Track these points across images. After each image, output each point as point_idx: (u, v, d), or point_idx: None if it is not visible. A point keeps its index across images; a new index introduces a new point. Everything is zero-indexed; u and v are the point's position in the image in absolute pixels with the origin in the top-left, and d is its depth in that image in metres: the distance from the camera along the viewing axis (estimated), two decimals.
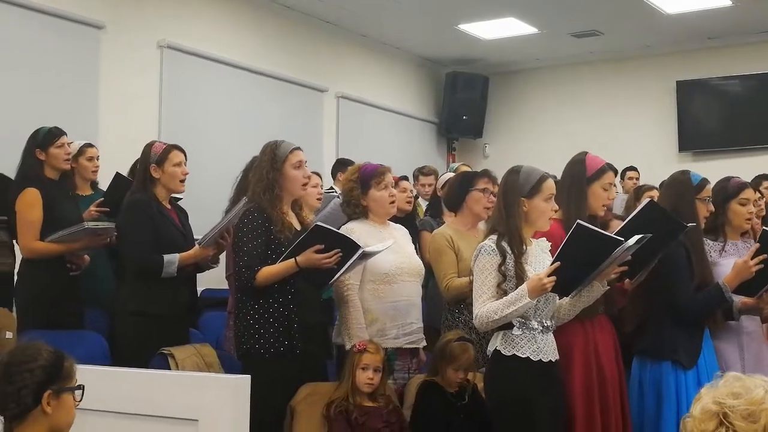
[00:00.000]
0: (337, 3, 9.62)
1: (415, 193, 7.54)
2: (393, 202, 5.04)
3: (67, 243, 5.14)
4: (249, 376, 3.73)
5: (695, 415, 2.05)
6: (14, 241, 5.51)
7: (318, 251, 4.43)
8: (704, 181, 4.73)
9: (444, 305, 5.23)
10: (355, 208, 4.98)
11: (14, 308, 5.39)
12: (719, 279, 4.55)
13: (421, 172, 8.60)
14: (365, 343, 4.60)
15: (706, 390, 2.09)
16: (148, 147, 5.13)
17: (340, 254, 4.46)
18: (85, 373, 2.94)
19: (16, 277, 5.41)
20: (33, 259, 5.19)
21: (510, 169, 4.30)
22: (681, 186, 4.72)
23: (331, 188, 8.10)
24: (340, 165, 8.57)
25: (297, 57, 9.85)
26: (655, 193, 6.43)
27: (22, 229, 5.18)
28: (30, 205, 5.15)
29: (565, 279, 3.99)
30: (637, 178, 9.42)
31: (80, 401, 2.89)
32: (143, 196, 5.00)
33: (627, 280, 4.51)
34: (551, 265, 3.99)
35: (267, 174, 4.66)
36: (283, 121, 9.28)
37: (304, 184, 4.86)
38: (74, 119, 7.01)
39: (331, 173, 8.60)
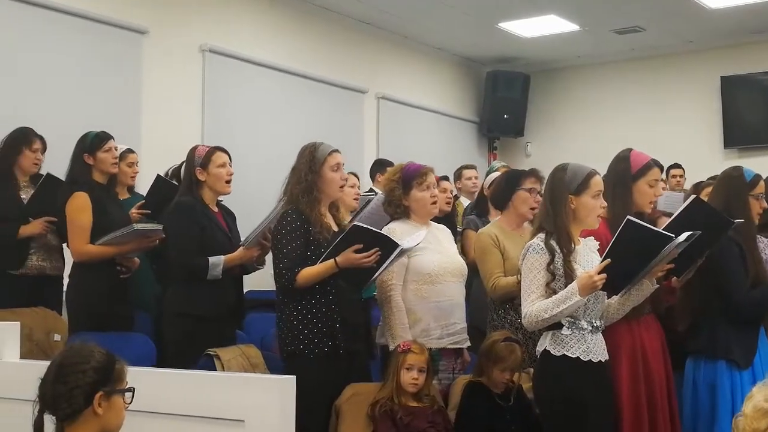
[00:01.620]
0: (376, 4, 9.62)
1: (455, 193, 7.52)
2: (434, 203, 5.03)
3: (116, 245, 5.17)
4: (294, 376, 3.75)
5: (747, 414, 2.03)
6: (63, 245, 5.56)
7: (357, 250, 4.45)
8: (757, 177, 4.67)
9: (490, 305, 5.21)
10: (397, 208, 4.98)
11: (63, 311, 5.45)
12: None
13: (463, 168, 8.58)
14: (410, 343, 4.60)
15: (758, 388, 2.07)
16: (192, 151, 5.18)
17: (379, 253, 4.47)
18: (133, 374, 2.96)
19: (66, 281, 5.45)
20: (84, 262, 5.23)
21: (557, 167, 4.27)
22: (734, 182, 4.66)
23: (371, 190, 8.10)
24: (379, 166, 8.57)
25: (337, 58, 9.86)
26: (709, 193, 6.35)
27: (73, 232, 5.21)
28: (80, 209, 5.19)
29: (615, 277, 3.96)
30: (681, 176, 9.33)
31: (130, 403, 2.91)
32: (189, 199, 5.03)
33: (674, 278, 4.47)
34: (602, 262, 3.96)
35: (305, 176, 4.68)
36: (323, 122, 9.30)
37: (342, 186, 4.88)
38: (118, 123, 7.06)
39: (370, 174, 8.60)
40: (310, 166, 4.69)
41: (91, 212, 5.19)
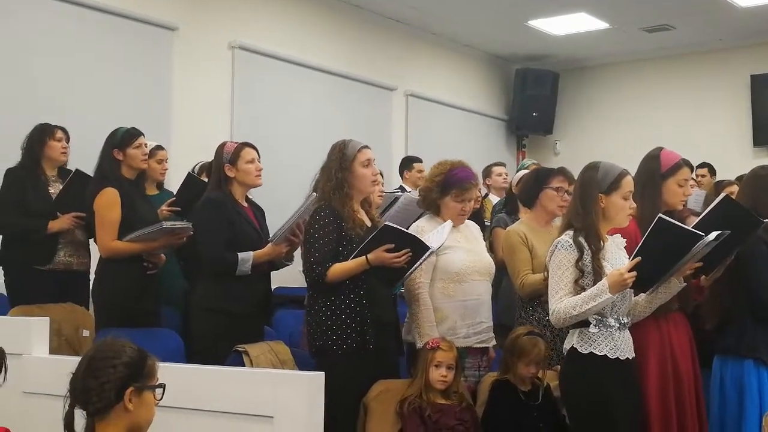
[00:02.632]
0: (406, 1, 9.62)
1: (484, 191, 7.51)
2: (463, 216, 5.01)
3: (144, 242, 5.20)
4: (323, 372, 3.76)
5: None
6: (90, 240, 5.59)
7: (389, 250, 4.45)
8: None
9: (518, 302, 5.20)
10: (431, 204, 4.98)
11: (91, 306, 5.47)
12: None
13: (493, 165, 8.59)
14: (438, 340, 4.60)
15: None
16: (221, 147, 5.18)
17: (410, 254, 4.48)
18: (162, 370, 2.97)
19: (93, 276, 5.48)
20: (111, 258, 5.26)
21: (588, 165, 4.26)
22: (762, 181, 4.63)
23: (401, 187, 8.11)
24: (407, 163, 8.58)
25: (366, 56, 9.88)
26: (735, 189, 6.32)
27: (102, 228, 5.23)
28: (109, 205, 5.21)
29: (645, 274, 3.95)
30: (704, 175, 9.25)
31: (161, 399, 2.92)
32: (219, 194, 5.05)
33: (702, 276, 4.44)
34: (632, 259, 3.95)
35: (336, 173, 4.69)
36: (352, 119, 9.32)
37: (374, 182, 4.89)
38: (148, 120, 7.08)
39: (399, 171, 8.61)
40: (341, 163, 4.70)
41: (119, 208, 5.20)
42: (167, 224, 5.19)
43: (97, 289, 5.34)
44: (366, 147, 4.80)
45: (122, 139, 5.37)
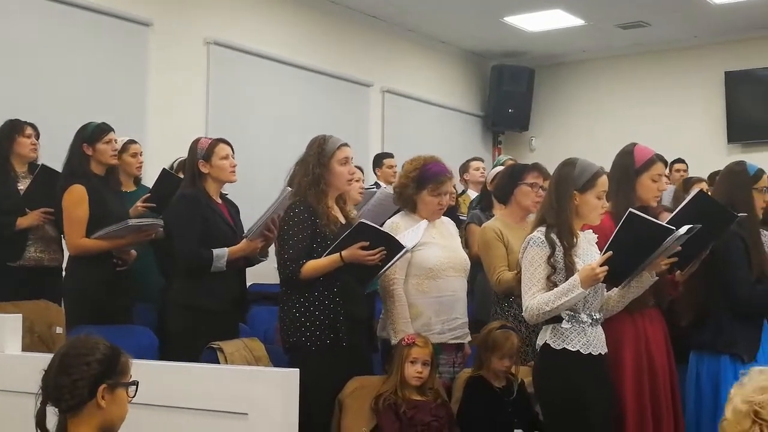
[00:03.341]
0: None
1: (462, 187, 7.52)
2: (440, 210, 5.01)
3: (112, 239, 5.17)
4: (298, 369, 3.75)
5: (729, 418, 2.03)
6: (62, 236, 5.56)
7: (363, 247, 4.45)
8: (761, 172, 4.67)
9: (493, 298, 5.22)
10: (407, 200, 4.97)
11: (63, 303, 5.44)
12: None
13: (470, 160, 8.61)
14: (414, 336, 4.60)
15: (735, 389, 2.07)
16: (195, 143, 5.17)
17: (385, 252, 4.47)
18: (136, 367, 2.95)
19: (64, 273, 5.45)
20: (80, 255, 5.22)
21: (565, 161, 4.27)
22: (737, 177, 4.66)
23: (376, 183, 8.11)
24: (378, 159, 8.60)
25: (342, 52, 9.86)
26: (704, 185, 6.36)
27: (69, 226, 5.20)
28: (76, 201, 5.18)
29: (616, 269, 3.97)
30: (685, 171, 9.32)
31: (134, 396, 2.91)
32: (193, 191, 5.03)
33: (678, 271, 4.47)
34: (603, 254, 3.96)
35: (313, 169, 4.68)
36: (328, 116, 9.29)
37: (350, 180, 4.89)
38: (122, 116, 7.06)
39: (372, 168, 8.62)
40: (319, 158, 4.69)
41: (87, 205, 5.17)
42: (133, 222, 5.16)
43: (67, 285, 5.32)
44: (345, 145, 4.79)
45: (92, 134, 5.34)
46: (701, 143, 10.66)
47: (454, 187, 6.71)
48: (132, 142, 6.23)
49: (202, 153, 5.08)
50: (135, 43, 7.74)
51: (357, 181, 6.13)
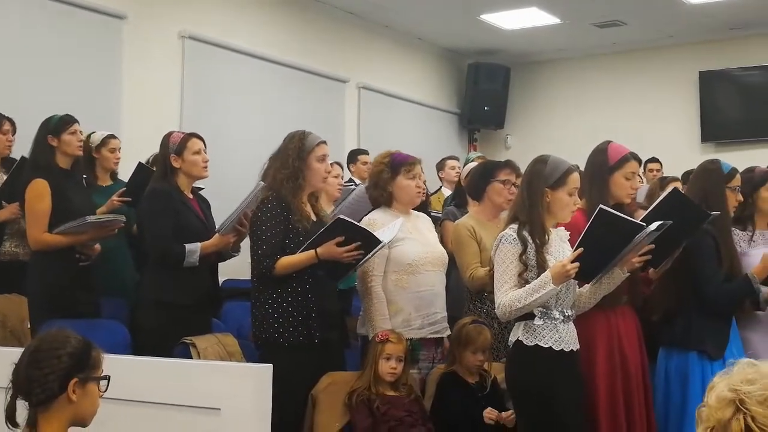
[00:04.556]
0: None
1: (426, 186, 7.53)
2: (419, 193, 5.04)
3: (72, 235, 5.12)
4: (271, 365, 3.74)
5: (711, 404, 2.03)
6: None
7: (339, 243, 4.44)
8: (734, 171, 4.70)
9: (466, 295, 5.23)
10: (382, 191, 4.97)
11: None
12: (748, 269, 4.53)
13: (446, 158, 8.64)
14: (387, 332, 4.61)
15: (720, 378, 2.07)
16: (167, 138, 5.14)
17: (362, 251, 4.47)
18: (107, 361, 2.94)
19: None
20: (42, 250, 5.18)
21: (537, 158, 4.28)
22: (711, 175, 4.69)
23: (351, 180, 8.11)
24: (352, 156, 8.60)
25: (318, 47, 9.84)
26: (679, 184, 6.39)
27: (31, 220, 5.14)
28: (38, 196, 5.11)
29: (588, 265, 3.98)
30: (658, 170, 9.37)
31: (105, 391, 2.89)
32: (164, 185, 5.01)
33: (651, 269, 4.49)
34: (574, 250, 3.97)
35: (293, 162, 4.66)
36: (304, 111, 9.27)
37: (325, 179, 4.88)
38: (96, 109, 7.04)
39: (347, 164, 8.62)
40: (299, 153, 4.68)
41: (49, 200, 5.10)
42: (91, 219, 5.10)
43: (29, 280, 5.24)
44: (324, 142, 4.79)
45: (57, 125, 5.28)
46: (675, 142, 10.73)
47: (425, 185, 6.72)
48: (112, 137, 6.21)
49: (174, 147, 5.05)
50: (109, 37, 7.69)
51: (336, 177, 6.13)
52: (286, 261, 4.53)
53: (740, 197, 4.69)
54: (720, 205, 4.52)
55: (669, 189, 4.43)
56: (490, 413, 4.56)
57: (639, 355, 4.51)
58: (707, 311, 4.49)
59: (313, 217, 4.74)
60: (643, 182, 8.14)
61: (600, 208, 3.96)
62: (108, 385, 2.90)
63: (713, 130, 10.92)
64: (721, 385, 2.03)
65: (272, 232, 4.57)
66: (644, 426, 4.44)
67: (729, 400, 1.99)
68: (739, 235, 4.75)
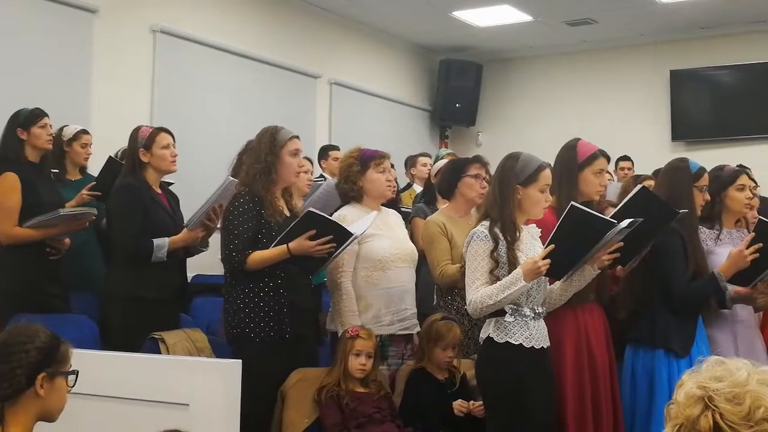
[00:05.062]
0: None
1: (396, 183, 7.54)
2: (389, 186, 5.05)
3: (43, 229, 5.09)
4: (240, 360, 3.73)
5: (679, 401, 2.04)
6: None
7: (310, 237, 4.43)
8: (702, 170, 4.72)
9: (437, 292, 5.24)
10: (352, 185, 4.97)
11: None
12: (715, 267, 4.55)
13: (418, 155, 8.65)
14: (357, 329, 4.61)
15: (688, 375, 2.08)
16: (135, 132, 5.12)
17: (334, 244, 4.47)
18: (76, 356, 2.93)
19: None
20: (12, 244, 5.13)
21: (508, 155, 4.28)
22: (679, 173, 4.71)
23: (321, 176, 8.10)
24: (323, 152, 8.60)
25: (290, 42, 9.81)
26: (653, 183, 6.42)
27: (1, 214, 5.10)
28: (8, 190, 5.07)
29: (559, 262, 3.99)
30: (630, 168, 9.43)
31: (73, 386, 2.88)
32: (133, 180, 4.99)
33: (619, 266, 4.51)
34: (545, 247, 3.99)
35: (265, 157, 4.66)
36: (275, 106, 9.24)
37: (298, 173, 4.88)
38: (66, 103, 6.99)
39: (318, 160, 8.61)
40: (271, 147, 4.68)
41: (19, 193, 5.07)
42: (64, 211, 5.08)
43: None
44: (296, 137, 4.79)
45: (26, 118, 5.25)
46: (646, 141, 10.77)
47: (396, 181, 6.73)
48: (84, 132, 6.18)
49: (142, 142, 5.04)
50: (80, 30, 7.62)
51: (306, 172, 6.12)
52: (258, 256, 4.53)
53: (707, 196, 4.72)
54: (687, 204, 4.55)
55: (638, 187, 4.43)
56: (460, 405, 4.58)
57: (606, 353, 4.53)
58: (673, 309, 4.52)
59: (287, 212, 4.74)
60: (612, 180, 8.18)
61: (572, 205, 3.98)
62: (76, 380, 2.89)
63: (684, 129, 10.98)
64: (690, 383, 2.04)
65: (244, 226, 4.56)
66: (611, 424, 4.46)
67: (697, 397, 2.00)
68: (705, 233, 4.78)
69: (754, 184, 6.07)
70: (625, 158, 9.54)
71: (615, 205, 4.86)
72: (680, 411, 2.02)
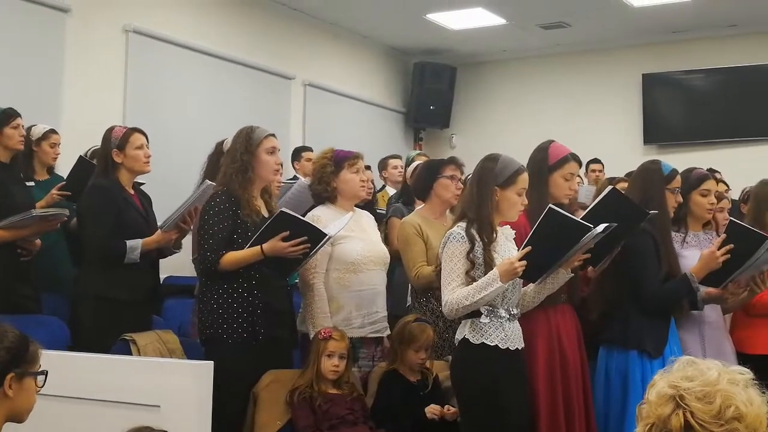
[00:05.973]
0: None
1: (373, 185, 7.54)
2: (363, 187, 5.04)
3: (15, 230, 5.04)
4: (212, 362, 3.72)
5: (651, 400, 2.06)
6: None
7: (284, 238, 4.41)
8: (674, 172, 4.74)
9: (411, 294, 5.23)
10: (326, 186, 4.96)
11: None
12: (682, 270, 4.57)
13: (388, 158, 8.64)
14: (330, 330, 4.60)
15: (660, 375, 2.10)
16: (109, 132, 5.09)
17: (308, 245, 4.45)
18: (46, 357, 2.90)
19: None
20: None
21: (487, 156, 4.28)
22: (651, 175, 4.73)
23: (294, 177, 8.08)
24: (296, 153, 8.58)
25: (264, 44, 9.79)
26: (627, 186, 6.44)
27: None
28: None
29: (535, 264, 4.00)
30: (601, 171, 9.47)
31: (42, 386, 2.86)
32: (105, 181, 4.96)
33: (590, 267, 4.53)
34: (522, 248, 3.99)
35: (241, 156, 4.64)
36: (249, 108, 9.22)
37: (276, 171, 4.86)
38: (38, 103, 6.94)
39: (291, 161, 8.59)
40: (247, 146, 4.66)
41: None
42: (37, 212, 5.04)
43: None
44: (272, 135, 4.78)
45: None
46: (618, 144, 10.83)
47: (373, 183, 6.74)
48: (53, 131, 6.14)
49: (116, 142, 5.01)
50: (52, 29, 7.57)
51: (279, 173, 6.10)
52: (232, 256, 4.51)
53: (680, 198, 4.74)
54: (659, 205, 4.56)
55: (608, 189, 4.45)
56: (433, 409, 4.57)
57: (578, 354, 4.54)
58: (645, 310, 4.53)
59: (265, 213, 4.72)
60: (582, 182, 8.21)
61: (549, 207, 3.99)
62: (45, 381, 2.86)
63: (656, 132, 11.05)
64: (661, 383, 2.06)
65: (219, 226, 4.54)
66: (583, 425, 4.47)
67: (669, 396, 2.02)
68: (672, 236, 4.80)
69: (726, 187, 6.12)
70: (596, 161, 9.58)
71: (585, 208, 4.88)
72: (652, 410, 2.04)
